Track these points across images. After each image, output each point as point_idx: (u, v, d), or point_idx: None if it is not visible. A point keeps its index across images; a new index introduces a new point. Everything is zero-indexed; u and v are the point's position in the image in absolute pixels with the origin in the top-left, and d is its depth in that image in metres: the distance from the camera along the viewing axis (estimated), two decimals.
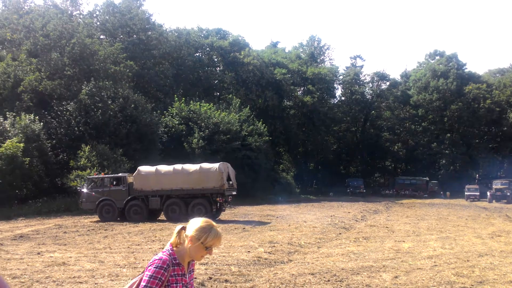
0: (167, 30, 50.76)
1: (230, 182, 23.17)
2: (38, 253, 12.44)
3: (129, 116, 33.62)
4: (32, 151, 29.00)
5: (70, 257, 11.78)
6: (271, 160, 46.97)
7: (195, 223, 2.92)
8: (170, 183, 21.99)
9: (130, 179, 22.84)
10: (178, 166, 22.74)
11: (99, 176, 23.95)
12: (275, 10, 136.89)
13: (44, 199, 28.19)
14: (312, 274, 9.55)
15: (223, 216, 24.26)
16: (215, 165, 22.18)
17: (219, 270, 9.96)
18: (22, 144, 27.72)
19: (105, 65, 35.84)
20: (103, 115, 32.58)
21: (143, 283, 2.83)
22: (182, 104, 40.55)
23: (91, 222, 21.74)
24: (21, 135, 28.77)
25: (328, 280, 9.00)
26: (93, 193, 22.73)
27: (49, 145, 31.43)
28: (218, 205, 22.49)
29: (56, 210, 26.37)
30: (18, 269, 10.19)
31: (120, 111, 33.27)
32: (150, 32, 45.40)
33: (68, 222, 21.98)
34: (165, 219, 22.37)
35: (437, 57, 64.46)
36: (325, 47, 68.90)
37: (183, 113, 39.88)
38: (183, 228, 2.97)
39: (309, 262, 10.99)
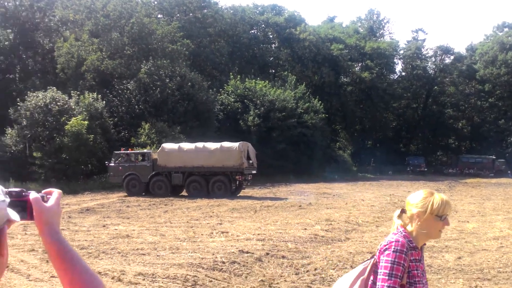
0: (223, 8, 50.76)
1: (250, 161, 23.71)
2: (104, 226, 13.00)
3: (186, 94, 34.16)
4: (96, 128, 30.17)
5: (133, 230, 12.22)
6: (327, 137, 46.34)
7: (415, 197, 2.55)
8: (192, 161, 22.82)
9: (155, 155, 23.71)
10: (200, 144, 23.48)
11: (125, 151, 24.93)
12: None
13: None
14: (371, 252, 9.32)
15: (283, 193, 24.29)
16: (235, 144, 22.83)
17: (276, 246, 9.95)
18: (86, 122, 28.89)
19: (162, 44, 36.44)
20: (161, 93, 33.32)
21: (384, 271, 2.37)
22: (238, 82, 40.63)
23: (119, 197, 22.40)
24: (85, 113, 29.96)
25: None
26: (120, 167, 23.73)
27: (111, 122, 32.59)
28: (237, 183, 23.25)
29: (119, 185, 27.46)
30: (85, 240, 10.70)
31: (177, 89, 33.87)
32: (205, 10, 45.57)
33: (131, 197, 22.82)
34: (186, 194, 23.23)
35: (506, 29, 60.46)
36: (385, 21, 66.42)
37: (238, 91, 39.99)
38: (403, 211, 2.61)
39: (367, 241, 10.77)
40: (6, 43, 36.17)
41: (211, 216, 15.29)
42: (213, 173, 22.76)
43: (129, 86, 33.97)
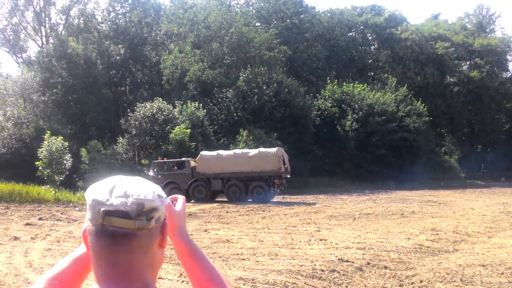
0: (320, 12, 50.43)
1: (285, 166, 24.18)
2: (205, 230, 13.40)
3: (283, 101, 34.39)
4: (197, 136, 31.51)
5: (233, 235, 12.43)
6: (431, 142, 43.82)
7: None
8: (231, 166, 23.55)
9: (193, 163, 24.42)
10: (238, 151, 24.78)
11: (162, 161, 25.53)
12: None
13: None
14: (483, 265, 8.55)
15: (377, 202, 23.38)
16: (273, 149, 23.93)
17: (377, 256, 9.49)
18: (188, 130, 30.30)
19: (260, 52, 37.11)
20: (258, 100, 33.90)
21: None
22: (335, 86, 40.02)
23: (219, 203, 22.77)
24: (187, 121, 31.44)
25: (502, 273, 7.96)
26: (159, 176, 23.98)
27: (212, 130, 33.82)
28: (275, 186, 23.77)
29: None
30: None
31: (274, 96, 34.23)
32: (302, 15, 45.62)
33: (230, 203, 23.40)
34: (226, 199, 23.79)
35: None
36: (495, 15, 61.50)
37: (335, 95, 39.38)
38: None
39: (479, 253, 9.87)
40: (118, 57, 39.24)
41: (308, 223, 15.09)
42: (251, 178, 23.58)
43: (228, 94, 35.04)
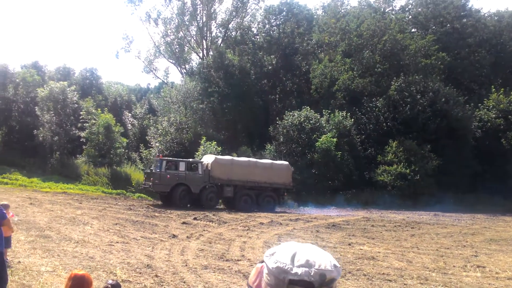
0: (485, 15, 45.92)
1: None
2: (349, 244, 12.91)
3: (439, 111, 32.02)
4: (344, 145, 30.98)
5: (379, 252, 11.75)
6: None
7: None
8: (245, 175, 22.74)
9: (207, 165, 22.75)
10: (253, 160, 24.22)
11: (171, 159, 23.56)
12: None
13: (353, 191, 29.69)
14: None
15: None
16: (286, 163, 24.46)
17: None
18: (335, 139, 29.95)
19: (415, 59, 35.19)
20: (411, 110, 32.09)
21: None
22: (501, 96, 35.90)
23: (364, 216, 21.47)
24: (334, 130, 31.11)
25: None
26: (168, 175, 21.72)
27: (359, 140, 32.96)
28: (282, 198, 24.28)
29: (364, 203, 27.35)
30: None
31: (429, 106, 32.09)
32: (465, 20, 42.05)
33: (375, 215, 22.40)
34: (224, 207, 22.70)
35: None
36: None
37: (501, 105, 35.26)
38: None
39: None
40: (270, 67, 40.61)
41: (464, 245, 13.62)
42: (263, 188, 23.19)
43: (378, 104, 33.83)
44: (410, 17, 43.91)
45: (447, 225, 19.00)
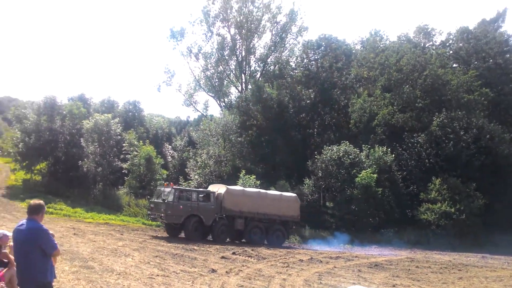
0: None
1: None
2: (393, 286, 12.44)
3: (484, 148, 31.05)
4: (384, 181, 30.32)
5: None
6: None
7: None
8: (254, 206, 21.96)
9: (218, 195, 21.80)
10: (263, 191, 23.54)
11: (183, 188, 22.63)
12: None
13: (395, 229, 28.83)
14: None
15: None
16: (294, 195, 24.19)
17: None
18: (375, 175, 29.39)
19: (457, 95, 34.49)
20: (454, 146, 31.25)
21: None
22: None
23: (408, 256, 20.62)
24: (374, 166, 30.56)
25: None
26: (181, 206, 20.52)
27: (400, 176, 32.18)
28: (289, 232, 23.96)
29: (406, 242, 26.48)
30: None
31: (473, 142, 31.18)
32: (508, 55, 41.14)
33: (420, 256, 21.60)
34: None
35: None
36: None
37: None
38: None
39: None
40: (308, 101, 40.69)
41: None
42: (272, 221, 22.50)
43: (419, 139, 33.12)
44: (451, 52, 43.31)
45: (496, 268, 18.08)
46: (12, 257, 8.37)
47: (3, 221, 17.00)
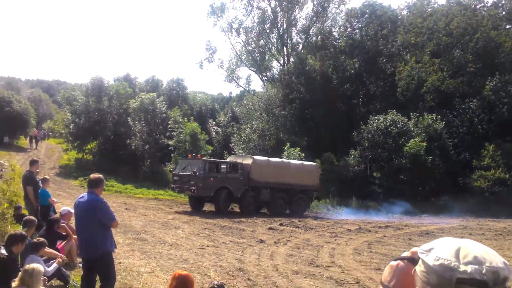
0: None
1: None
2: None
3: None
4: (434, 150, 29.38)
5: None
6: None
7: None
8: (278, 176, 21.55)
9: (245, 165, 21.24)
10: (286, 160, 23.63)
11: (209, 160, 21.20)
12: None
13: (446, 198, 28.01)
14: None
15: None
16: (315, 164, 24.32)
17: None
18: (424, 143, 28.52)
19: (511, 57, 32.65)
20: (509, 111, 29.77)
21: None
22: None
23: (460, 224, 19.86)
24: (423, 134, 29.64)
25: None
26: (211, 178, 19.68)
27: (451, 144, 31.09)
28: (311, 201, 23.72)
29: (458, 210, 25.69)
30: None
31: None
32: None
33: (473, 223, 20.94)
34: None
35: None
36: None
37: None
38: None
39: None
40: (352, 71, 39.75)
41: None
42: (294, 190, 22.20)
43: (471, 105, 31.76)
44: (503, 13, 40.88)
45: None
46: (70, 230, 8.74)
47: (59, 198, 17.78)
